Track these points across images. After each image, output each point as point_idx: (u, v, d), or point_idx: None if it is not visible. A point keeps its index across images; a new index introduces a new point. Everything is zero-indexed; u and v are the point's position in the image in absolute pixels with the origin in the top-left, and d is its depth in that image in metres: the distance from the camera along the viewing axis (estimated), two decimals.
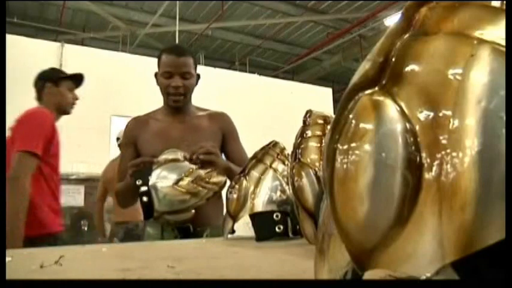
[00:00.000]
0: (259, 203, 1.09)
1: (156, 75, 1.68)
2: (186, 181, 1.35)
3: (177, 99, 1.62)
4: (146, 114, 1.72)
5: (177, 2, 6.80)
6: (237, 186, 1.13)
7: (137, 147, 1.64)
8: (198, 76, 1.69)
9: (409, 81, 0.28)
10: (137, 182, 1.35)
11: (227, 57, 9.74)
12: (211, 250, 0.96)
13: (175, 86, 1.59)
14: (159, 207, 1.34)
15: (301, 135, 0.88)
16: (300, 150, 0.87)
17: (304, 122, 0.90)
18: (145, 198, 1.34)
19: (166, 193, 1.34)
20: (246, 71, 8.95)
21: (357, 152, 0.28)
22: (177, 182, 1.35)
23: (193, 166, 1.39)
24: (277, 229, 1.08)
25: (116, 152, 6.14)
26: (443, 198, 0.24)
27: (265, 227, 1.09)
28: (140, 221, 3.17)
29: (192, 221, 1.45)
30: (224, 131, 1.70)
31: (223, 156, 1.66)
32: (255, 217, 1.11)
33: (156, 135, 1.63)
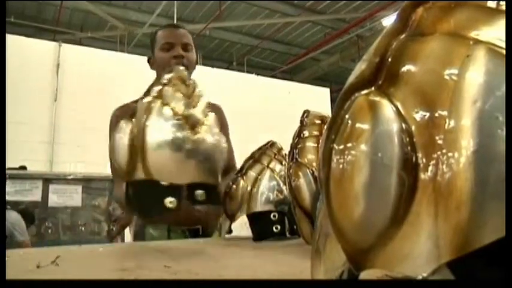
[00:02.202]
0: (257, 203, 1.09)
1: (149, 60, 1.55)
2: None
3: (183, 71, 1.50)
4: (135, 102, 1.54)
5: (175, 1, 6.79)
6: (234, 186, 1.12)
7: None
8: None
9: (405, 81, 0.28)
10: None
11: (225, 57, 9.73)
12: (209, 250, 0.96)
13: (177, 56, 1.44)
14: None
15: (299, 135, 0.89)
16: (297, 150, 0.87)
17: (302, 122, 0.90)
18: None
19: None
20: (244, 71, 8.95)
21: (353, 152, 0.28)
22: None
23: None
24: (274, 229, 1.08)
25: None
26: (439, 198, 0.24)
27: (262, 227, 1.09)
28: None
29: (201, 223, 1.43)
30: (221, 124, 1.64)
31: None
32: (253, 217, 1.11)
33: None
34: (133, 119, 0.83)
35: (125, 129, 0.82)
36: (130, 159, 0.81)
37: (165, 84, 0.85)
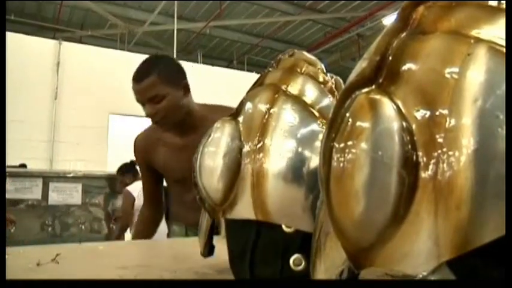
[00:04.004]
0: None
1: None
2: None
3: (161, 125, 1.40)
4: (152, 129, 1.52)
5: (175, 0, 6.79)
6: None
7: (154, 167, 1.52)
8: (184, 86, 1.41)
9: (405, 80, 0.28)
10: None
11: (225, 56, 9.73)
12: None
13: (148, 115, 1.36)
14: None
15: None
16: None
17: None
18: None
19: None
20: (244, 70, 8.95)
21: (353, 150, 0.28)
22: None
23: None
24: None
25: (113, 150, 6.14)
26: (439, 196, 0.24)
27: None
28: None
29: None
30: None
31: None
32: None
33: (169, 155, 1.47)
34: None
35: None
36: None
37: None
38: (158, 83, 1.33)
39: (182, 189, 1.49)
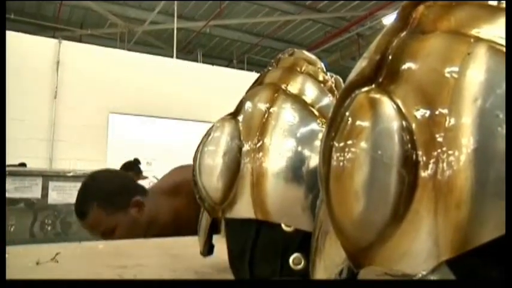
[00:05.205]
0: None
1: None
2: None
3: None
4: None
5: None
6: None
7: None
8: (135, 204, 1.20)
9: (405, 79, 0.28)
10: None
11: (225, 55, 9.73)
12: None
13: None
14: None
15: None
16: None
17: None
18: None
19: None
20: (244, 69, 8.95)
21: (353, 149, 0.28)
22: None
23: None
24: None
25: (113, 149, 6.14)
26: (439, 196, 0.24)
27: None
28: None
29: None
30: None
31: None
32: None
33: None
34: None
35: None
36: None
37: None
38: (102, 216, 1.15)
39: None
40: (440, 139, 0.24)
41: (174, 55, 6.99)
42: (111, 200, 1.18)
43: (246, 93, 0.59)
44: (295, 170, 0.48)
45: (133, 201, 1.20)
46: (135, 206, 1.20)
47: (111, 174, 1.32)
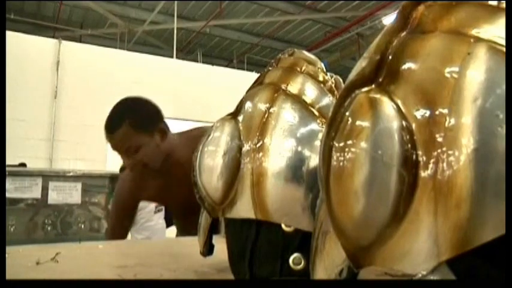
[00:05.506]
0: None
1: None
2: None
3: (142, 174, 1.33)
4: (132, 180, 1.44)
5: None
6: None
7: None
8: (160, 130, 1.30)
9: (405, 79, 0.28)
10: None
11: (225, 55, 9.72)
12: None
13: (126, 166, 1.31)
14: None
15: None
16: None
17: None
18: None
19: None
20: (244, 69, 8.94)
21: (353, 149, 0.28)
22: None
23: None
24: None
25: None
26: (439, 196, 0.24)
27: None
28: None
29: None
30: None
31: None
32: None
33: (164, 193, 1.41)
34: None
35: None
36: None
37: None
38: (131, 134, 1.23)
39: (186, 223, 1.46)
40: (440, 139, 0.24)
41: (174, 55, 6.98)
42: (142, 121, 1.27)
43: (246, 93, 0.59)
44: (295, 170, 0.48)
45: (159, 127, 1.30)
46: (159, 132, 1.29)
47: (144, 100, 1.41)
